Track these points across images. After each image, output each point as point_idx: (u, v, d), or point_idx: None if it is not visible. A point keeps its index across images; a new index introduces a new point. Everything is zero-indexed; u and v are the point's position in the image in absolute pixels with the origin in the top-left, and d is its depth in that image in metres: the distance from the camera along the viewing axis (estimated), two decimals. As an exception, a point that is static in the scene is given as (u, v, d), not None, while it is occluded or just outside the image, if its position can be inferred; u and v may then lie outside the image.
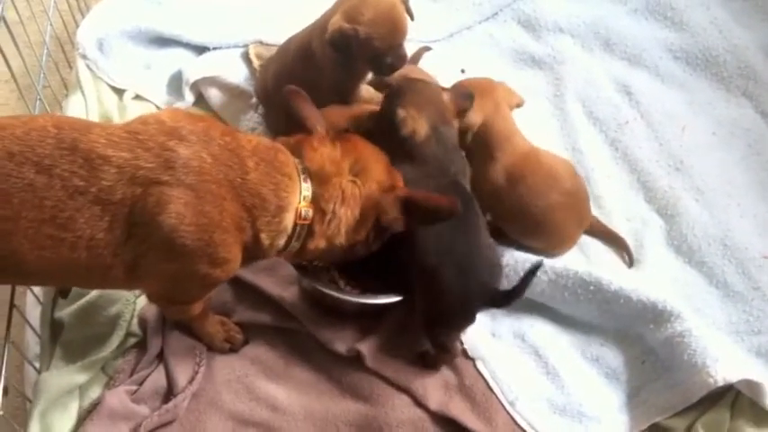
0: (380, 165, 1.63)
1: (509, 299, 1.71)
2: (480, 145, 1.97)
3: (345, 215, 1.57)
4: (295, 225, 1.54)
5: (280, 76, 2.11)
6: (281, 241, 1.55)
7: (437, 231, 1.66)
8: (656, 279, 2.01)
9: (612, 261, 2.08)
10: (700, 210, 2.17)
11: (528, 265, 1.85)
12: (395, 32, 1.91)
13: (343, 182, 1.57)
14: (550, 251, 2.01)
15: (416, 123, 1.80)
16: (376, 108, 1.93)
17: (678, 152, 2.31)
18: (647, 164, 2.28)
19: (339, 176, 1.56)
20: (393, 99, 1.85)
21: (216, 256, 1.46)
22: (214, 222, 1.42)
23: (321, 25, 1.98)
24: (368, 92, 2.08)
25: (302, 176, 1.54)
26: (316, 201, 1.54)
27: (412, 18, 1.98)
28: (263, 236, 1.51)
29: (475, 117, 1.96)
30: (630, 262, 2.07)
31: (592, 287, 1.89)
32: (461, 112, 1.91)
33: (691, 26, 2.59)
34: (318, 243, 1.58)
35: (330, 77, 2.00)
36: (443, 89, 1.94)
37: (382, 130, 1.81)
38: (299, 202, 1.52)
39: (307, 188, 1.53)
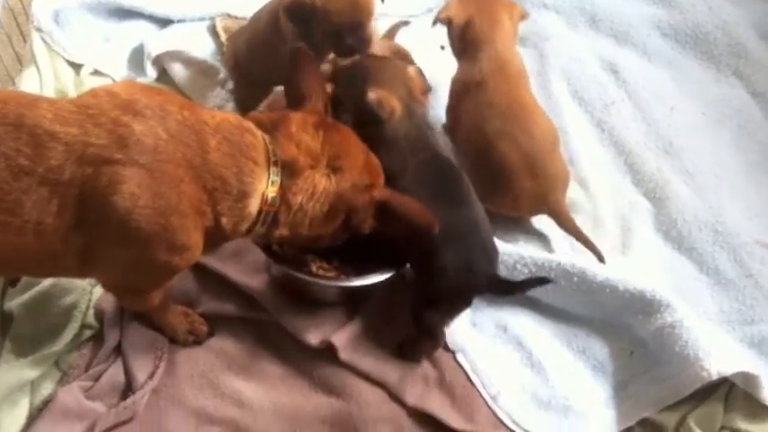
0: (361, 161, 1.56)
1: (510, 289, 1.70)
2: (470, 45, 1.96)
3: (313, 209, 1.50)
4: (260, 211, 1.46)
5: (252, 44, 2.05)
6: (244, 227, 1.47)
7: (437, 207, 1.59)
8: (643, 266, 1.97)
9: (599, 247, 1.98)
10: (689, 193, 2.13)
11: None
12: (355, 8, 1.83)
13: (317, 176, 1.49)
14: (491, 199, 1.88)
15: (391, 102, 1.73)
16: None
17: (666, 133, 2.28)
18: (634, 145, 2.25)
19: (313, 169, 1.48)
20: (357, 80, 1.77)
21: (174, 242, 1.39)
22: (171, 205, 1.35)
23: None
24: None
25: (273, 159, 1.45)
26: (284, 190, 1.46)
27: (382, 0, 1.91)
28: (224, 220, 1.43)
29: (454, 11, 1.95)
30: (600, 260, 1.94)
31: (576, 278, 1.84)
32: (425, 92, 1.89)
33: (679, 2, 2.58)
34: (282, 231, 1.52)
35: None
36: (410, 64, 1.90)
37: (340, 115, 1.73)
38: (267, 188, 1.44)
39: (276, 172, 1.45)
